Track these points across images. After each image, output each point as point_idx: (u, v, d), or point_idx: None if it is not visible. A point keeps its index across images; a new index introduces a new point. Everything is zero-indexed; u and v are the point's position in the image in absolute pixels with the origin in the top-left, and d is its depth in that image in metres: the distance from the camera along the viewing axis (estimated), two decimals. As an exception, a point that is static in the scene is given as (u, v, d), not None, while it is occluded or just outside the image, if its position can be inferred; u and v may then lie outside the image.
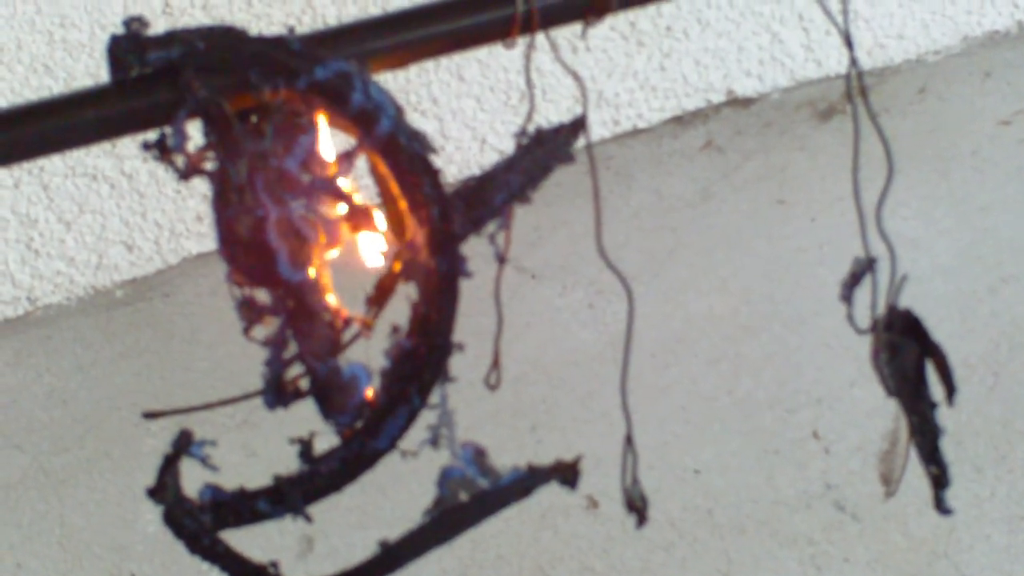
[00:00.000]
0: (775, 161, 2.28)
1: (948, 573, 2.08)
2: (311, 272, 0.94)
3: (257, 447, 2.09)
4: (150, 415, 1.13)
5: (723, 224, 2.26)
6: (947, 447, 2.15)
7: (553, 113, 2.22)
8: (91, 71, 2.03)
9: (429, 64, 2.13)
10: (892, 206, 2.22)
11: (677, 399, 2.15)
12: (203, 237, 2.18)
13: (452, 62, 2.14)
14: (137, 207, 2.14)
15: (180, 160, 0.94)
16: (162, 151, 0.93)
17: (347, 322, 0.98)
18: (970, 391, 2.18)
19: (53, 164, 2.09)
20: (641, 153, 2.26)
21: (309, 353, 0.95)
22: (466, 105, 2.18)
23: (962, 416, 2.16)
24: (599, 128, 2.26)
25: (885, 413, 2.12)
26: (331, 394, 0.97)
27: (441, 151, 2.21)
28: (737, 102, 2.29)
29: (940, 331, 2.15)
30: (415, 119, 2.19)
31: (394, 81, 2.14)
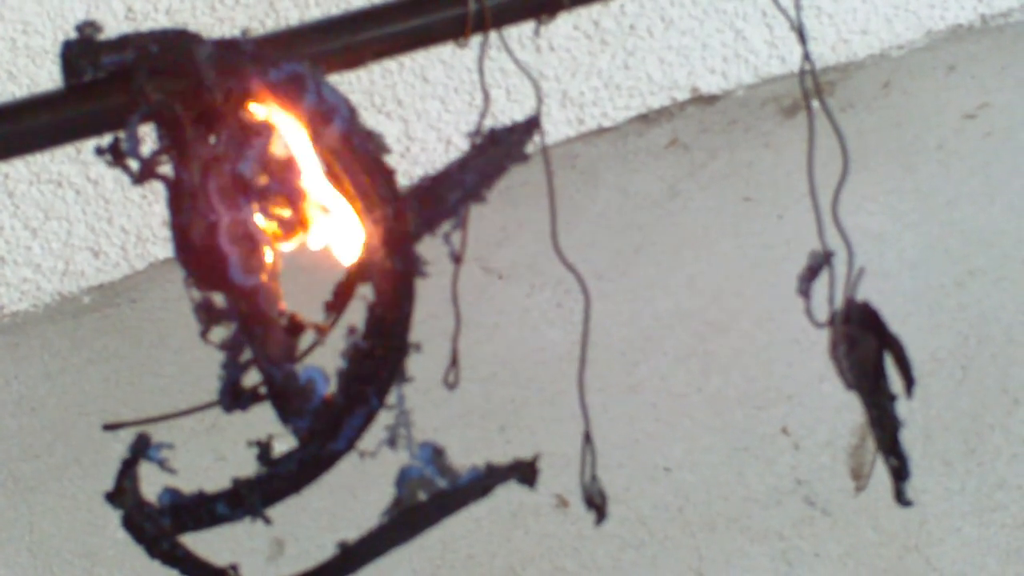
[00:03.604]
0: (741, 158, 2.29)
1: (919, 566, 2.08)
2: (264, 277, 0.94)
3: (225, 451, 2.08)
4: (110, 427, 1.12)
5: (690, 222, 2.26)
6: (916, 441, 2.16)
7: (517, 112, 2.22)
8: (54, 77, 2.02)
9: (393, 65, 2.13)
10: (858, 200, 2.24)
11: (646, 397, 2.15)
12: (170, 242, 2.18)
13: (416, 63, 2.14)
14: (103, 213, 2.13)
15: (134, 164, 0.94)
16: (116, 155, 0.93)
17: (301, 327, 0.98)
18: (938, 385, 2.19)
19: (18, 170, 2.08)
20: (606, 152, 2.26)
21: (264, 358, 0.95)
22: (431, 106, 2.18)
23: (931, 410, 2.17)
24: (564, 127, 2.27)
25: (854, 408, 2.12)
26: (288, 398, 0.97)
27: (406, 152, 2.21)
28: (702, 99, 2.30)
29: (907, 325, 2.17)
30: (379, 121, 2.19)
31: (358, 82, 2.14)
